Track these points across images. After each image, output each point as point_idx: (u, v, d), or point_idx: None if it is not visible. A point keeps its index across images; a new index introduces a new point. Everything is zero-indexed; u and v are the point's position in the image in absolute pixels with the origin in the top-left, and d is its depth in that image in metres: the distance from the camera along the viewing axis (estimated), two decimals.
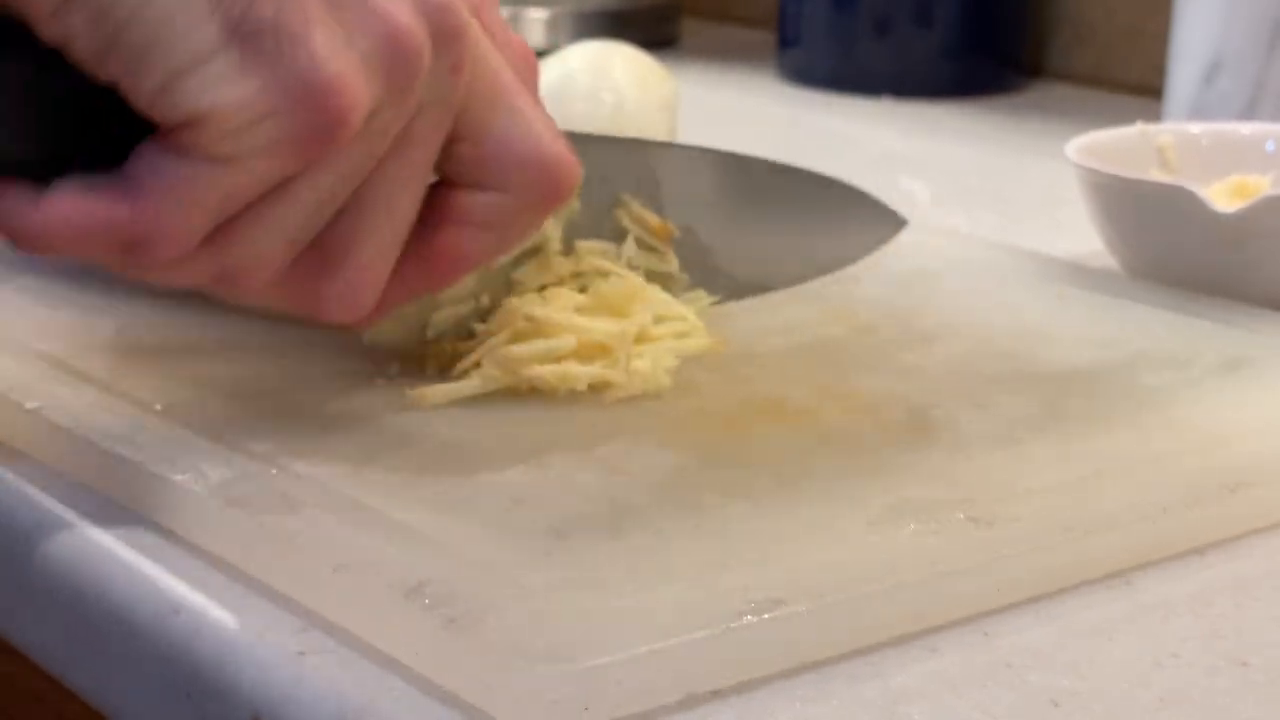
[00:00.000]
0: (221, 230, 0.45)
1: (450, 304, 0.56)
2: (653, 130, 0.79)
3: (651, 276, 0.59)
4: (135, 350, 0.57)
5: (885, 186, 0.94)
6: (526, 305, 0.56)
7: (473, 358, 0.55)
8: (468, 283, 0.56)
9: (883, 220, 0.67)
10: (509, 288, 0.57)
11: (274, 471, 0.48)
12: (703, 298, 0.61)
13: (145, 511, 0.48)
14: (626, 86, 0.78)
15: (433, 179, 0.49)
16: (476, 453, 0.50)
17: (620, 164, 0.61)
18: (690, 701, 0.40)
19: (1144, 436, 0.52)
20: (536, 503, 0.47)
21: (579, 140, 0.53)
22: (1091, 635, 0.44)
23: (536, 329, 0.55)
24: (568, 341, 0.54)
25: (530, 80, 0.52)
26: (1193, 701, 0.41)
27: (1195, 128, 0.76)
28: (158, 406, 0.52)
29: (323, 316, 0.48)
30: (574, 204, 0.58)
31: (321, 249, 0.47)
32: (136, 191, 0.44)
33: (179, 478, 0.47)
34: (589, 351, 0.55)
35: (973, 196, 0.93)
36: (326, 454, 0.49)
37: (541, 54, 0.79)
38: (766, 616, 0.41)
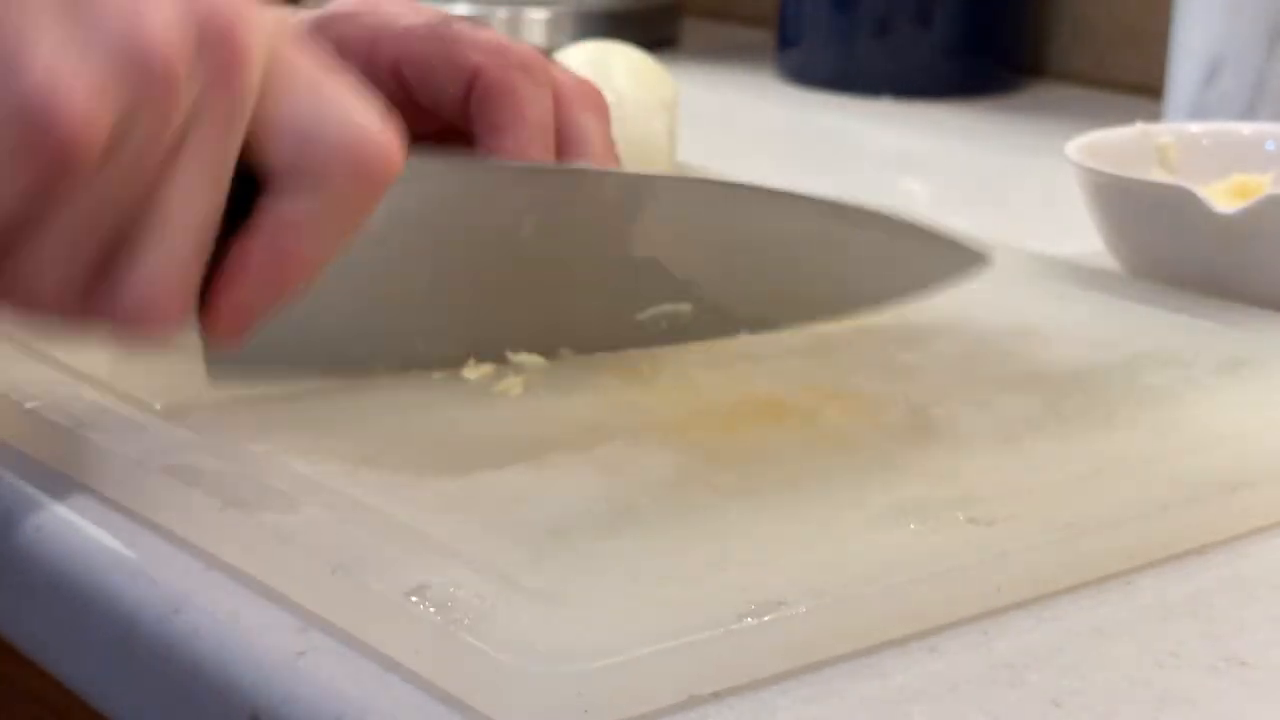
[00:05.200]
0: None
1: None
2: (652, 130, 0.79)
3: None
4: (134, 350, 0.57)
5: (885, 186, 0.94)
6: None
7: None
8: None
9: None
10: None
11: (273, 471, 0.48)
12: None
13: (145, 511, 0.48)
14: (626, 86, 0.78)
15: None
16: (476, 453, 0.50)
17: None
18: (691, 703, 0.40)
19: (1144, 436, 0.52)
20: (536, 503, 0.47)
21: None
22: (1092, 635, 0.44)
23: None
24: None
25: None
26: (1193, 701, 0.41)
27: (1195, 128, 0.76)
28: (158, 406, 0.52)
29: (124, 330, 0.45)
30: None
31: (110, 265, 0.45)
32: None
33: (179, 478, 0.47)
34: None
35: (973, 196, 0.93)
36: (326, 454, 0.49)
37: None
38: (767, 618, 0.41)
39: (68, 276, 0.44)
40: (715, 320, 0.60)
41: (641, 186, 0.59)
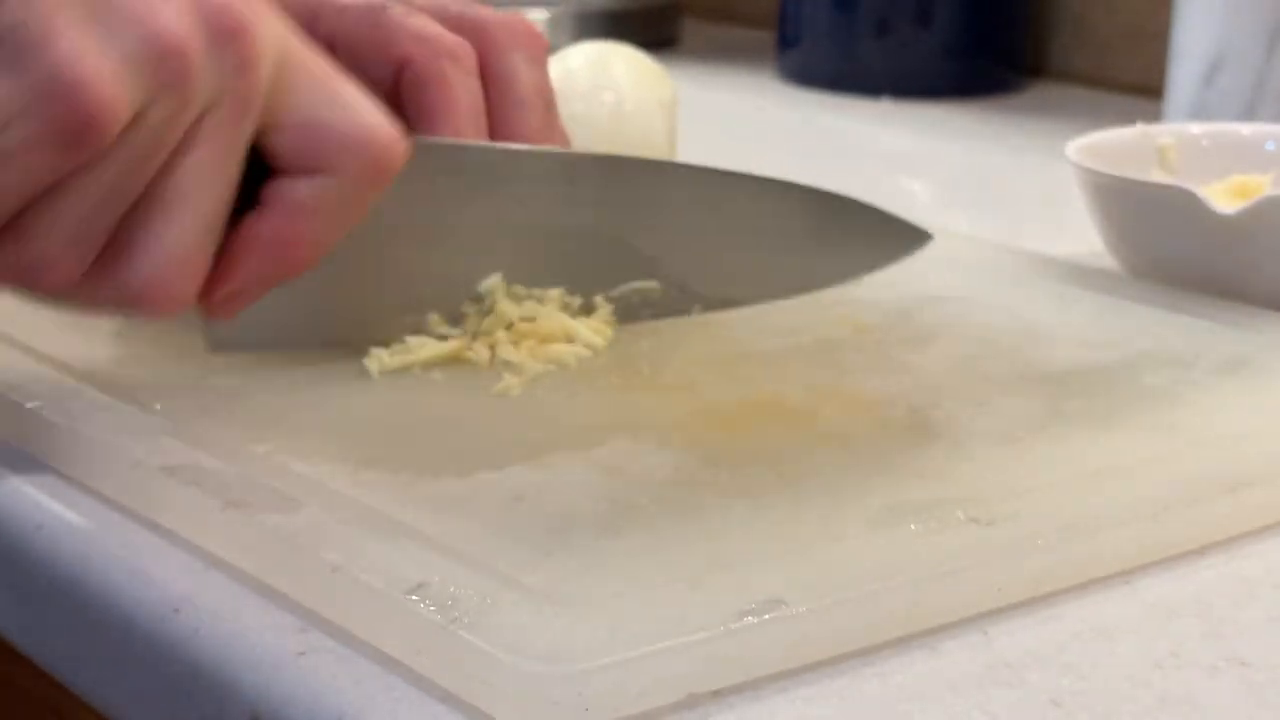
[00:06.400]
0: (7, 228, 0.46)
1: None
2: (652, 130, 0.79)
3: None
4: (135, 350, 0.57)
5: (885, 186, 0.94)
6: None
7: None
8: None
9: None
10: None
11: (273, 471, 0.48)
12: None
13: (145, 511, 0.48)
14: (626, 86, 0.78)
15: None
16: (476, 452, 0.50)
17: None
18: (691, 702, 0.40)
19: (1144, 436, 0.52)
20: (536, 502, 0.47)
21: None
22: (1091, 635, 0.44)
23: None
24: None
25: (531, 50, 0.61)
26: (1193, 701, 0.41)
27: (1195, 128, 0.76)
28: (157, 406, 0.52)
29: (132, 309, 0.49)
30: None
31: (120, 243, 0.48)
32: None
33: (178, 478, 0.47)
34: None
35: (973, 196, 0.93)
36: (326, 454, 0.49)
37: None
38: (767, 617, 0.41)
39: (79, 253, 0.47)
40: (680, 297, 0.61)
41: (607, 167, 0.61)
